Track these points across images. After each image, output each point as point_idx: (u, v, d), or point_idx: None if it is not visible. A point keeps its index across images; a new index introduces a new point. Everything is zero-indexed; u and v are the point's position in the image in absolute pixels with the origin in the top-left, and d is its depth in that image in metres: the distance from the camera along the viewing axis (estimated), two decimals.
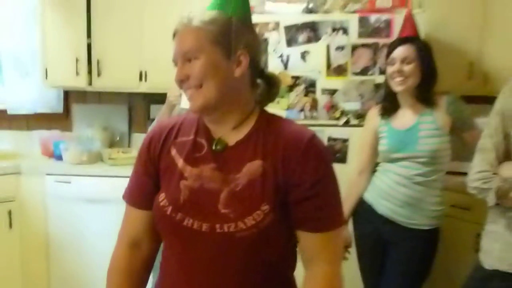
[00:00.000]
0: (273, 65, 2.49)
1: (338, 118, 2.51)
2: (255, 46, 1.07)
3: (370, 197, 2.05)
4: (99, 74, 3.02)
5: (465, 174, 1.63)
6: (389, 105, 2.01)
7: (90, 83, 3.04)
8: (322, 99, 2.50)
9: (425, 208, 1.86)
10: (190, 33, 1.00)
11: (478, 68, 2.56)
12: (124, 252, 1.14)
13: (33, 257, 2.88)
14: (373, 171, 2.10)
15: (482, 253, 1.56)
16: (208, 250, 1.01)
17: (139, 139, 3.32)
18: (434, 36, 2.45)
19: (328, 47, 2.47)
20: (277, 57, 2.49)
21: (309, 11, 2.53)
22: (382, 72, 2.32)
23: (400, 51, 1.91)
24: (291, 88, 2.51)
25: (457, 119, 1.86)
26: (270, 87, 1.12)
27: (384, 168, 2.02)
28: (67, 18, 3.00)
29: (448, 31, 2.57)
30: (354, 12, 2.49)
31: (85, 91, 3.20)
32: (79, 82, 3.03)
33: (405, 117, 1.93)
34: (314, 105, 2.51)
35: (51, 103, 3.33)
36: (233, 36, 1.01)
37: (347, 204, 2.06)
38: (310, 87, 2.52)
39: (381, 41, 2.41)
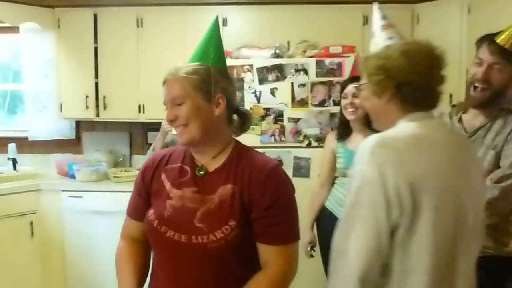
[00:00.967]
0: (248, 100, 2.70)
1: (302, 141, 2.72)
2: (230, 90, 1.13)
3: (331, 204, 2.18)
4: (105, 108, 3.18)
5: None
6: (343, 130, 2.16)
7: (97, 115, 3.20)
8: (289, 126, 2.72)
9: None
10: (177, 82, 1.07)
11: None
12: (124, 242, 1.22)
13: (51, 261, 2.98)
14: (332, 183, 2.22)
15: None
16: (186, 260, 1.06)
17: (138, 160, 3.45)
18: None
19: (292, 85, 2.69)
20: (251, 93, 2.70)
21: (277, 56, 2.75)
22: (336, 104, 2.56)
23: (351, 88, 2.03)
24: (263, 117, 2.71)
25: None
26: (244, 121, 1.19)
27: (341, 181, 2.16)
28: (78, 63, 3.19)
29: None
30: (312, 56, 2.71)
31: (93, 121, 3.33)
32: (89, 114, 3.19)
33: (357, 139, 2.02)
34: (282, 131, 2.72)
35: (65, 132, 3.46)
36: (212, 83, 1.07)
37: (312, 211, 2.22)
38: (279, 116, 2.72)
39: (335, 79, 2.65)
